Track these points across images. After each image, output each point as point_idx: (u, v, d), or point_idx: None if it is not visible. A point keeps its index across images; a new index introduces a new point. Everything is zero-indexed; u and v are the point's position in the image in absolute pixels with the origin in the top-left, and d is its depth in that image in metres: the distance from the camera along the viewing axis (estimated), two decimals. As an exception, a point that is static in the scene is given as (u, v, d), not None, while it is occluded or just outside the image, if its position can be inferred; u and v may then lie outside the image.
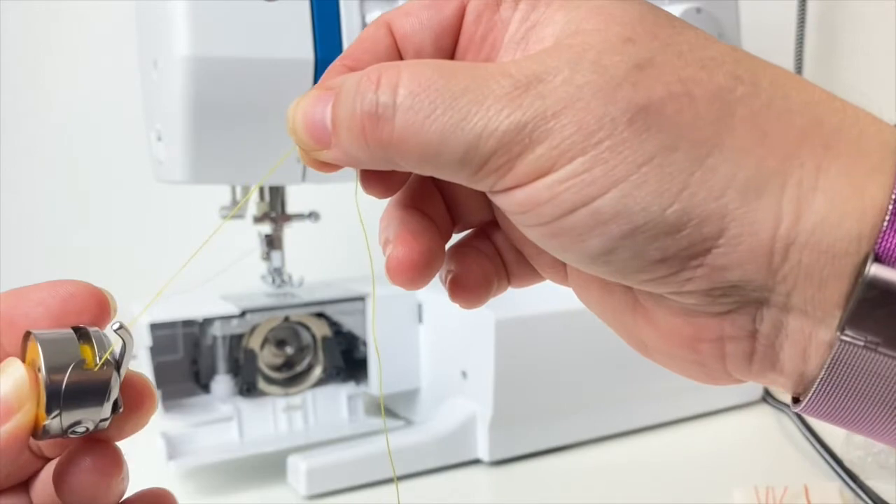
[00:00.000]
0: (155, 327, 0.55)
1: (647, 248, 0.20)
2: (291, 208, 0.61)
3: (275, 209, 0.60)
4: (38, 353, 0.22)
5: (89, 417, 0.22)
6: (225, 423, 0.56)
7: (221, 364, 0.58)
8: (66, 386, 0.22)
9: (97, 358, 0.22)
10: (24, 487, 0.26)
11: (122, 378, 0.23)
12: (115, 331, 0.23)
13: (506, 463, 0.57)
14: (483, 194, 0.22)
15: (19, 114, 0.84)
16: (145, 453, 0.55)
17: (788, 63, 0.85)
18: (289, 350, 0.60)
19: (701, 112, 0.19)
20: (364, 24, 0.52)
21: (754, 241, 0.19)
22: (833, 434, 0.55)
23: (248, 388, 0.58)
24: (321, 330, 0.60)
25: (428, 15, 0.25)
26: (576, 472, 0.56)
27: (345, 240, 0.61)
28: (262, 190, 0.60)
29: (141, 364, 0.65)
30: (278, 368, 0.60)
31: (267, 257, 0.61)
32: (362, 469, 0.53)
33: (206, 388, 0.59)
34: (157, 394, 0.60)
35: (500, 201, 0.21)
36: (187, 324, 0.58)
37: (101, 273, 0.98)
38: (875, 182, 0.19)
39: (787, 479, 0.49)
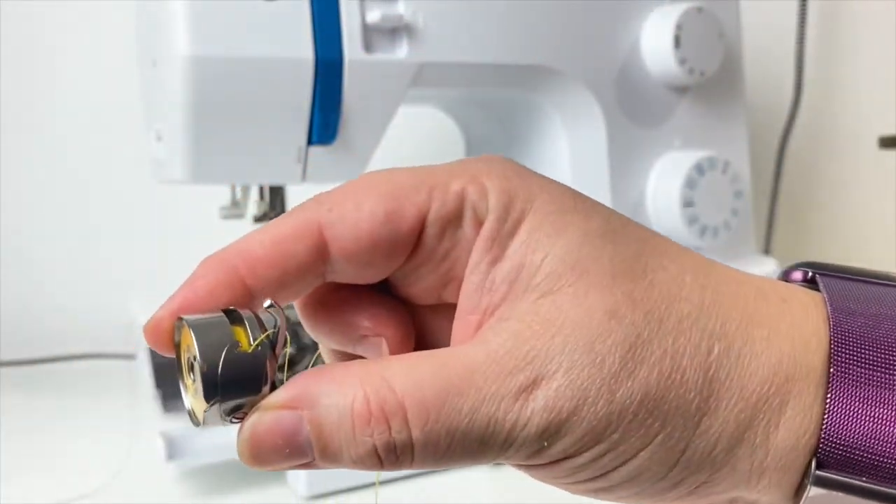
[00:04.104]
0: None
1: (652, 498, 0.23)
2: (291, 208, 0.61)
3: (275, 209, 0.60)
4: (191, 340, 0.21)
5: (249, 402, 0.22)
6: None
7: (221, 364, 0.58)
8: (221, 371, 0.21)
9: (251, 339, 0.22)
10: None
11: (279, 358, 0.22)
12: (266, 309, 0.22)
13: (506, 463, 0.57)
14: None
15: (18, 113, 0.84)
16: (145, 453, 0.55)
17: (789, 63, 0.85)
18: (289, 349, 0.60)
19: (691, 385, 0.22)
20: (364, 24, 0.52)
21: (736, 476, 0.23)
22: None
23: (248, 388, 0.57)
24: (321, 330, 0.60)
25: (384, 231, 0.23)
26: (576, 473, 0.55)
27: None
28: (261, 189, 0.60)
29: (141, 364, 0.65)
30: (279, 368, 0.60)
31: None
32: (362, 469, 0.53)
33: (206, 388, 0.58)
34: (158, 393, 0.61)
35: (532, 471, 0.24)
36: (187, 324, 0.58)
37: (101, 273, 0.97)
38: (819, 405, 0.22)
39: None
